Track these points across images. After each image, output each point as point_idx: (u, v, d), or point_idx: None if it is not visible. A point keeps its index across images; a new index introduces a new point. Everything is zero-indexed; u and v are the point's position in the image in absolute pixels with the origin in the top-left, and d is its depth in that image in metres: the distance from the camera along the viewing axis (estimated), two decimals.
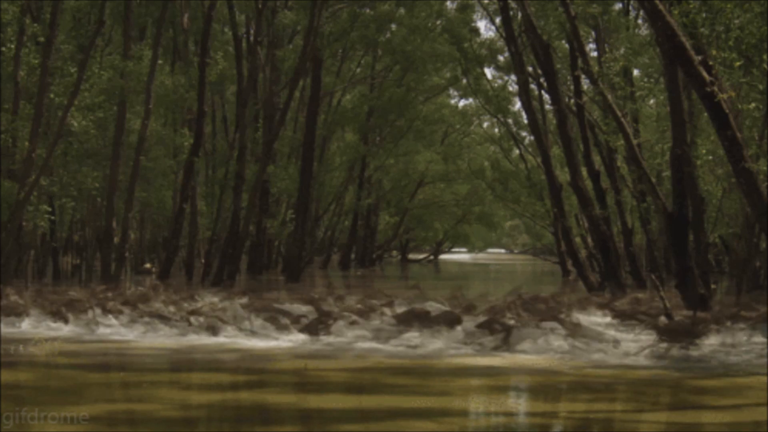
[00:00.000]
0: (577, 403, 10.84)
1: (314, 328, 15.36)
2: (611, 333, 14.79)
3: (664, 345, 13.62)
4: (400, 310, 16.44)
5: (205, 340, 15.06)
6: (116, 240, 28.20)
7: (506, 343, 14.09)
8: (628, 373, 12.24)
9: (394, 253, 71.53)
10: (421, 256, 72.46)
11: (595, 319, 16.51)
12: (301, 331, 15.35)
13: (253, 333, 15.34)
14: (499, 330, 14.58)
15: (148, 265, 37.85)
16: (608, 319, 16.61)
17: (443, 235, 68.28)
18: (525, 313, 15.79)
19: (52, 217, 28.30)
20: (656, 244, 30.87)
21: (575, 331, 14.32)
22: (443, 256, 78.35)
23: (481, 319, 15.33)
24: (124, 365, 13.17)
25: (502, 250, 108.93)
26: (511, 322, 14.99)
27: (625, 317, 16.38)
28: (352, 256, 52.68)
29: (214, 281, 28.37)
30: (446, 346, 14.26)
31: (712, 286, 20.71)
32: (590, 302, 18.44)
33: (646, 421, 9.84)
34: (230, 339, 15.10)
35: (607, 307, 17.64)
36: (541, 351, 13.72)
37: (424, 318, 15.38)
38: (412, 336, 14.68)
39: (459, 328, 14.99)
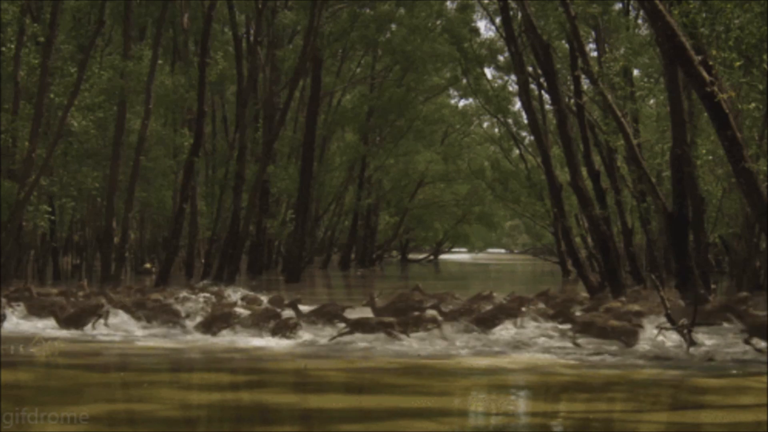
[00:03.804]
0: (577, 403, 10.84)
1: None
2: None
3: None
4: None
5: (206, 340, 15.06)
6: (116, 240, 28.19)
7: None
8: (629, 373, 12.24)
9: (394, 253, 71.51)
10: (421, 256, 72.45)
11: None
12: None
13: None
14: None
15: (148, 265, 37.85)
16: None
17: (443, 235, 68.26)
18: None
19: (52, 217, 28.29)
20: (656, 244, 30.85)
21: None
22: (443, 256, 78.33)
23: None
24: (124, 365, 13.16)
25: (502, 250, 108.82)
26: None
27: None
28: (352, 256, 52.66)
29: (214, 281, 28.34)
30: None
31: (712, 286, 20.73)
32: None
33: (646, 421, 9.84)
34: (230, 339, 15.10)
35: None
36: None
37: None
38: None
39: None
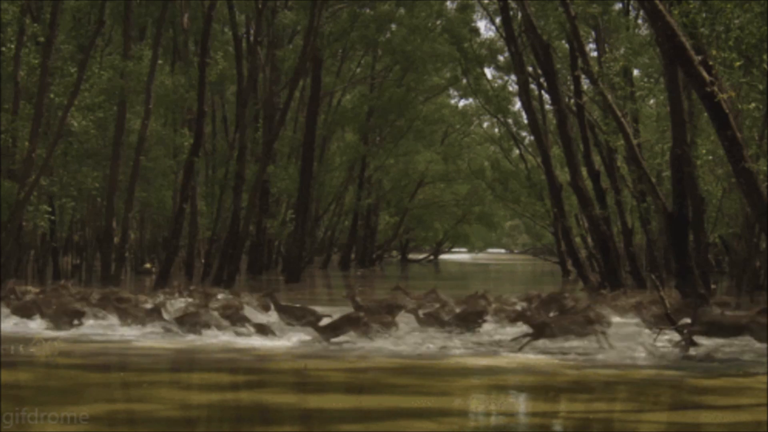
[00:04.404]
0: (577, 403, 10.84)
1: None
2: None
3: None
4: None
5: (206, 339, 15.06)
6: (116, 240, 28.19)
7: None
8: (629, 373, 12.24)
9: (394, 253, 71.54)
10: (421, 256, 72.47)
11: None
12: None
13: None
14: None
15: (148, 265, 37.86)
16: None
17: (443, 235, 68.29)
18: None
19: (52, 217, 28.30)
20: (656, 244, 30.86)
21: None
22: (443, 256, 78.35)
23: None
24: (124, 365, 13.16)
25: (502, 250, 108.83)
26: None
27: None
28: (352, 256, 52.69)
29: (214, 281, 28.36)
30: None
31: (712, 286, 20.74)
32: None
33: (646, 421, 9.84)
34: (228, 339, 15.10)
35: None
36: None
37: None
38: None
39: None
